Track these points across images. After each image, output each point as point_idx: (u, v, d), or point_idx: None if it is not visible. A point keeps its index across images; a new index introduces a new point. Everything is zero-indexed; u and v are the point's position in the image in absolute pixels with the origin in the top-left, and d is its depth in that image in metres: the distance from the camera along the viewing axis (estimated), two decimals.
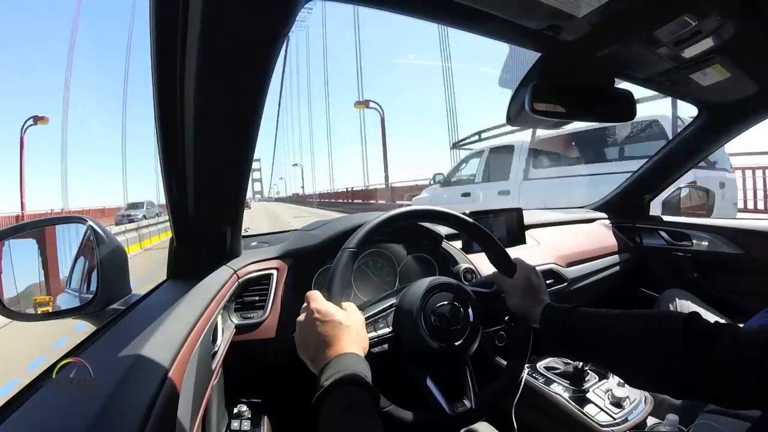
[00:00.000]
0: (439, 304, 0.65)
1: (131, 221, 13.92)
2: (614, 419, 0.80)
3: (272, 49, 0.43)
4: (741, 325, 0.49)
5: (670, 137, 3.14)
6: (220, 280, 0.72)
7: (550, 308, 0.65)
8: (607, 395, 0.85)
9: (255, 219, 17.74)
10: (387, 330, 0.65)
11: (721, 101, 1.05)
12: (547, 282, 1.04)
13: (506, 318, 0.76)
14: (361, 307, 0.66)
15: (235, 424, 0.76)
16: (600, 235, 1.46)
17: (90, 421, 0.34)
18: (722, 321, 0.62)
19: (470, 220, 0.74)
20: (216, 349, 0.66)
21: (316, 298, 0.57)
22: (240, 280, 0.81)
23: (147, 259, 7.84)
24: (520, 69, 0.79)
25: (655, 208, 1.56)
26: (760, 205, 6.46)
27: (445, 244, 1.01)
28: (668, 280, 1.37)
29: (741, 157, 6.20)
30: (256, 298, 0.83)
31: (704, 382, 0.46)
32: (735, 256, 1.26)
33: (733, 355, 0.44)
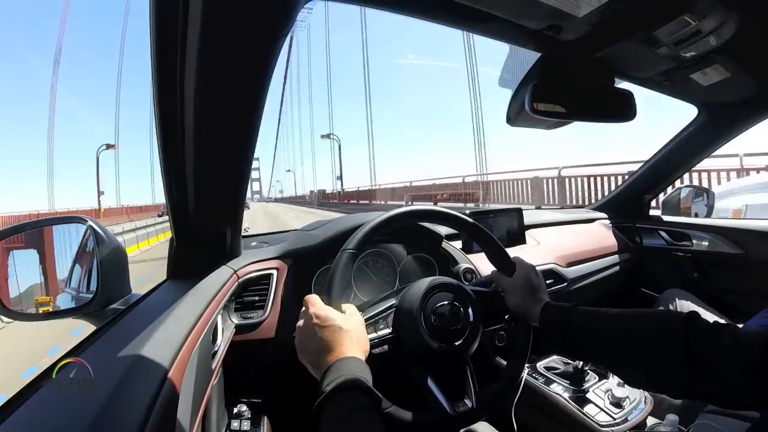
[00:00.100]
0: (439, 304, 0.65)
1: None
2: (614, 419, 0.80)
3: (272, 49, 0.43)
4: (740, 326, 0.49)
5: None
6: (220, 280, 0.72)
7: (550, 307, 0.65)
8: (607, 395, 0.85)
9: (254, 220, 17.73)
10: (387, 331, 0.65)
11: (721, 101, 1.05)
12: (547, 282, 1.04)
13: (506, 317, 0.76)
14: (361, 308, 0.66)
15: (235, 424, 0.76)
16: (600, 235, 1.46)
17: (90, 421, 0.34)
18: (722, 321, 0.62)
19: (470, 220, 0.74)
20: (216, 349, 0.66)
21: (315, 303, 0.56)
22: (240, 280, 0.81)
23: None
24: (521, 69, 0.79)
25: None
26: None
27: (445, 244, 1.01)
28: (668, 280, 1.37)
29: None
30: (256, 298, 0.83)
31: (704, 383, 0.46)
32: (735, 256, 1.26)
33: (733, 355, 0.44)
